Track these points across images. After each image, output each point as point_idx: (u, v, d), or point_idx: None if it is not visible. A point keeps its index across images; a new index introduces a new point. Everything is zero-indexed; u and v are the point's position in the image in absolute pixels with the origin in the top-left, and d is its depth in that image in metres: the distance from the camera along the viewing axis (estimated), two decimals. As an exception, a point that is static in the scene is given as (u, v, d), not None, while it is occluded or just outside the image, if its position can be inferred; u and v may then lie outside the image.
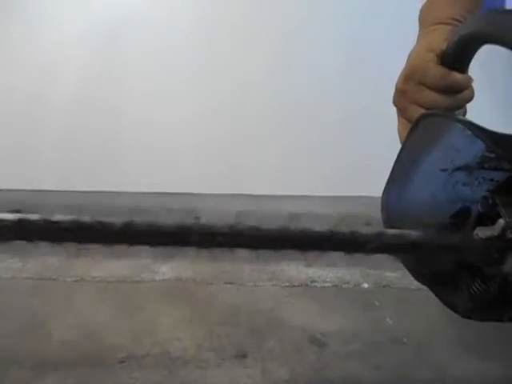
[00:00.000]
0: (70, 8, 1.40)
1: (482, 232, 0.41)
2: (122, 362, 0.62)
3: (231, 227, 0.40)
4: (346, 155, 1.48)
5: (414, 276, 0.51)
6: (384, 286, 0.88)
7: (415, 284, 0.85)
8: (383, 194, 0.52)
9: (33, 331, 0.68)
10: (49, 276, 0.87)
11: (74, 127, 1.43)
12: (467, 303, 0.45)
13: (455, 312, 0.48)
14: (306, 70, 1.47)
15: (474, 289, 0.44)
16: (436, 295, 0.50)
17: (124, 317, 0.73)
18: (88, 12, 1.40)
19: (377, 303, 0.81)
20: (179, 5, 1.43)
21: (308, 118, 1.49)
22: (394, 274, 0.91)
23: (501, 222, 0.40)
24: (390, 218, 0.51)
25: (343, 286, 0.88)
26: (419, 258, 0.46)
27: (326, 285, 0.88)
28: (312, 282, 0.89)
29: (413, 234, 0.40)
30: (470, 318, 0.48)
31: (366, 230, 0.39)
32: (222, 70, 1.46)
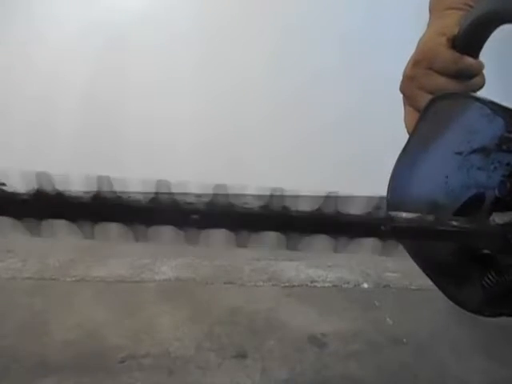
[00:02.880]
0: (73, 8, 1.40)
1: (499, 217, 0.39)
2: (122, 361, 0.62)
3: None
4: (347, 154, 1.48)
5: (420, 267, 0.48)
6: (384, 286, 0.88)
7: (415, 284, 0.86)
8: (391, 179, 0.50)
9: (33, 331, 0.68)
10: (49, 276, 0.86)
11: (76, 126, 1.43)
12: (478, 297, 0.44)
13: (463, 308, 0.47)
14: (306, 68, 1.47)
15: (487, 281, 0.43)
16: (442, 290, 0.48)
17: (124, 317, 0.73)
18: (90, 12, 1.40)
19: (377, 303, 0.81)
20: (180, 3, 1.43)
21: (308, 117, 1.49)
22: (394, 274, 0.91)
23: None
24: (398, 204, 0.48)
25: (343, 285, 0.88)
26: (431, 245, 0.44)
27: (326, 285, 0.88)
28: (312, 282, 0.89)
29: (427, 218, 0.38)
30: (479, 313, 0.46)
31: (377, 214, 0.37)
32: (221, 69, 1.46)
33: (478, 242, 0.41)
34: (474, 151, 0.42)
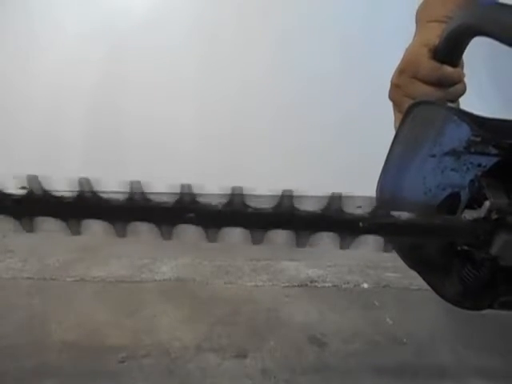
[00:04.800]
0: (74, 10, 1.40)
1: (469, 214, 0.42)
2: (122, 361, 0.62)
3: (221, 205, 0.40)
4: (348, 155, 1.48)
5: (405, 261, 0.52)
6: (384, 286, 0.88)
7: (415, 284, 0.86)
8: (378, 180, 0.54)
9: (33, 331, 0.68)
10: (49, 276, 0.86)
11: (83, 131, 1.44)
12: (458, 289, 0.46)
13: (445, 299, 0.49)
14: (307, 69, 1.47)
15: (465, 274, 0.45)
16: (426, 281, 0.51)
17: (124, 317, 0.73)
18: (90, 12, 1.40)
19: (377, 303, 0.81)
20: (180, 3, 1.43)
21: (309, 118, 1.49)
22: (394, 274, 0.91)
23: (486, 203, 0.41)
24: (385, 203, 0.52)
25: (343, 285, 0.88)
26: (410, 240, 0.47)
27: (326, 285, 0.88)
28: (312, 282, 0.89)
29: (402, 214, 0.42)
30: (460, 305, 0.49)
31: (356, 211, 0.41)
32: (222, 70, 1.46)
33: (449, 237, 0.44)
34: (446, 154, 0.45)
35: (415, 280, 0.86)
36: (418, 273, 0.52)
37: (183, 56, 1.44)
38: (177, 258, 0.94)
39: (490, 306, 0.48)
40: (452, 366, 0.65)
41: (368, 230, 0.41)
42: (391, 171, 0.52)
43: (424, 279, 0.52)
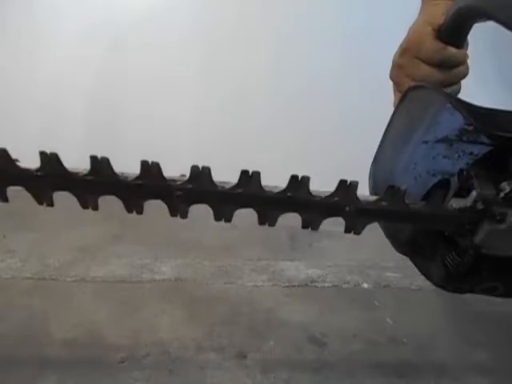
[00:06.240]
0: (74, 7, 1.40)
1: (456, 203, 0.42)
2: (122, 362, 0.62)
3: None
4: (348, 154, 1.48)
5: (393, 244, 0.52)
6: (384, 286, 0.88)
7: (415, 284, 0.86)
8: (372, 163, 0.53)
9: (33, 331, 0.68)
10: (49, 276, 0.86)
11: (75, 124, 1.44)
12: (441, 273, 0.47)
13: (430, 281, 0.50)
14: (308, 70, 1.47)
15: (449, 260, 0.46)
16: (413, 263, 0.52)
17: (124, 317, 0.73)
18: (89, 11, 1.41)
19: (377, 303, 0.81)
20: (181, 4, 1.43)
21: (309, 117, 1.49)
22: (394, 274, 0.91)
23: (473, 193, 0.41)
24: (375, 188, 0.52)
25: (343, 285, 0.88)
26: (397, 227, 0.47)
27: (326, 285, 0.88)
28: (312, 281, 0.89)
29: (389, 200, 0.41)
30: (442, 287, 0.49)
31: (343, 195, 0.41)
32: (222, 70, 1.46)
33: (435, 224, 0.43)
34: (439, 141, 0.45)
35: (415, 280, 0.86)
36: (406, 255, 0.53)
37: (183, 54, 1.44)
38: (177, 258, 0.94)
39: (472, 291, 0.49)
40: (452, 365, 0.65)
41: (354, 214, 0.41)
42: (384, 155, 0.52)
43: (412, 261, 0.52)
